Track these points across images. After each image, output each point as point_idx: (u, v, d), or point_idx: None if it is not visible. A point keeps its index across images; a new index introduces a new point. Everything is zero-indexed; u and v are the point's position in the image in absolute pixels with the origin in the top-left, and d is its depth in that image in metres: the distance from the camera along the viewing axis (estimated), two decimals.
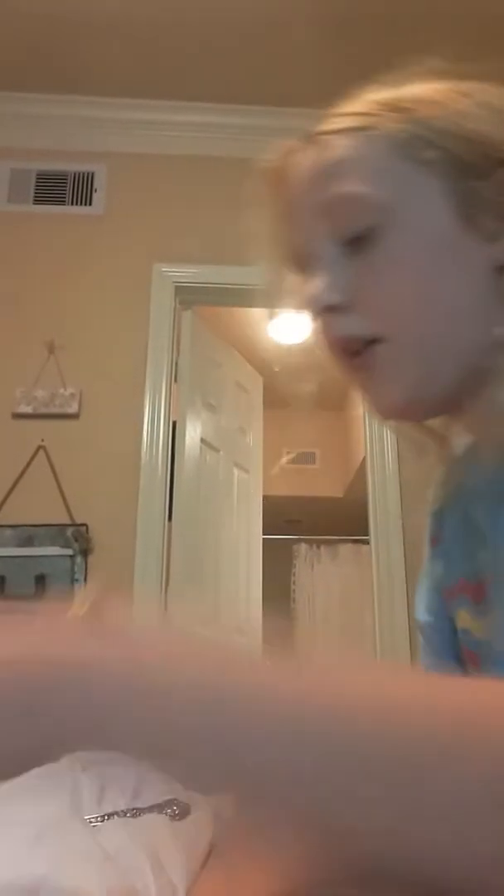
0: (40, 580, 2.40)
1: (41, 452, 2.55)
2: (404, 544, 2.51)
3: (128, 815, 0.68)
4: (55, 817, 0.67)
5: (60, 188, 2.90)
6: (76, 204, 2.89)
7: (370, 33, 2.59)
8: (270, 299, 0.68)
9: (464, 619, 0.62)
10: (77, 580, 2.42)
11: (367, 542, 2.80)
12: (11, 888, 0.52)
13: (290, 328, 4.09)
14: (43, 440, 2.56)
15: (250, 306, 3.55)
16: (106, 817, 0.70)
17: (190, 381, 2.85)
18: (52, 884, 0.52)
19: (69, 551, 2.44)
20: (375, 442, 2.69)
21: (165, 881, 0.54)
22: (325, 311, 0.58)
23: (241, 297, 2.99)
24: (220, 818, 0.61)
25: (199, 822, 0.64)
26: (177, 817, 0.66)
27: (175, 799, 0.75)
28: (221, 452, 3.06)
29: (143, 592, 2.43)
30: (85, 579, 2.43)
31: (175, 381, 2.76)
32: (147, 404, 2.63)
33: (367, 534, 2.71)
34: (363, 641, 4.60)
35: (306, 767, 0.32)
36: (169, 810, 0.67)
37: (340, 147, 0.57)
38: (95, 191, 2.91)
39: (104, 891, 0.51)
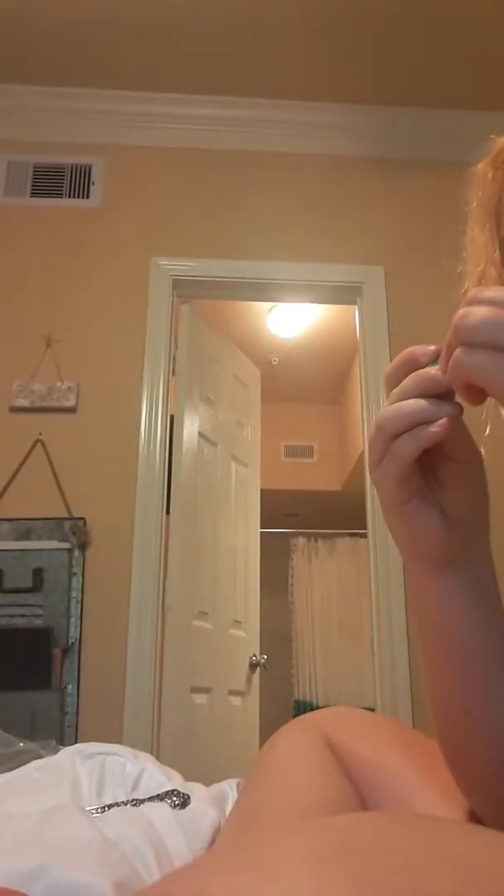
0: (38, 574, 2.41)
1: (39, 446, 2.54)
2: None
3: (128, 805, 0.68)
4: (55, 808, 0.67)
5: (58, 181, 2.89)
6: (73, 197, 2.88)
7: (367, 29, 2.58)
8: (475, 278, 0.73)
9: None
10: (75, 574, 2.43)
11: (364, 536, 2.80)
12: (12, 878, 0.53)
13: (288, 322, 4.09)
14: (40, 434, 2.56)
15: (248, 300, 3.55)
16: (106, 808, 0.70)
17: (188, 374, 2.85)
18: (51, 873, 0.52)
19: (67, 545, 2.44)
20: None
21: (168, 864, 0.54)
22: None
23: (239, 290, 2.99)
24: (219, 808, 0.61)
25: (200, 811, 0.64)
26: (177, 807, 0.66)
27: (175, 790, 0.75)
28: (219, 446, 3.05)
29: (140, 586, 2.43)
30: (83, 573, 2.43)
31: (173, 374, 2.76)
32: (145, 398, 2.63)
33: (364, 527, 2.71)
34: (360, 635, 4.61)
35: None
36: (169, 800, 0.68)
37: None
38: (93, 183, 2.90)
39: (104, 877, 0.51)
